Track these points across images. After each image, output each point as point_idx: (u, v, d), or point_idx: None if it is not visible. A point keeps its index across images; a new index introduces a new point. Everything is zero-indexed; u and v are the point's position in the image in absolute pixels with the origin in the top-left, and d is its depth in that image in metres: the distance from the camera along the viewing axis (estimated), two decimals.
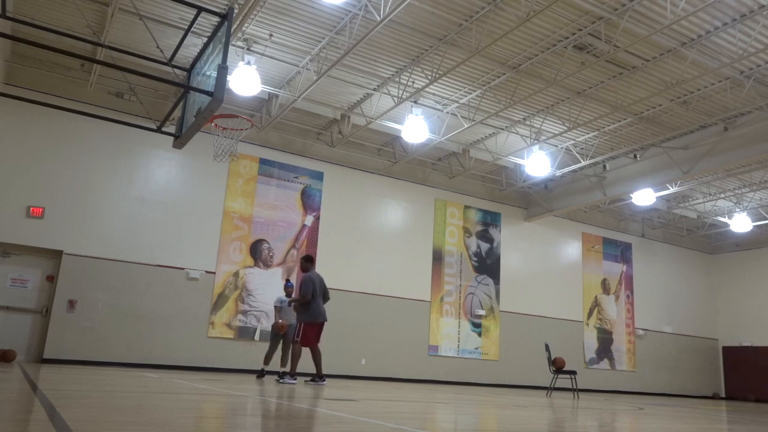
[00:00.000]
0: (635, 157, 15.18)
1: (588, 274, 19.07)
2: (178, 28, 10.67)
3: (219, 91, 6.14)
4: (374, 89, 12.65)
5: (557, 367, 12.37)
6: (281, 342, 10.39)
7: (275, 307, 10.62)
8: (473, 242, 17.02)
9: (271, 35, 10.91)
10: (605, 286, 19.36)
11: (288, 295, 10.58)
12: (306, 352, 9.72)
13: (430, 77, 11.41)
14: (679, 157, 14.11)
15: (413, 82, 12.02)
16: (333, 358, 14.12)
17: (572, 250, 18.94)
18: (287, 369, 10.36)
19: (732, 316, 21.29)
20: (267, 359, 10.39)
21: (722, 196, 17.44)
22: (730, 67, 10.83)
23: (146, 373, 9.68)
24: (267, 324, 13.54)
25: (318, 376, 9.24)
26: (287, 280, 10.84)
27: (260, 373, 10.38)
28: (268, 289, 13.74)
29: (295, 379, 9.27)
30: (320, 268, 14.44)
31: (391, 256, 15.56)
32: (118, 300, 12.17)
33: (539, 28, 10.16)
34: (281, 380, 9.15)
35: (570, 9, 9.54)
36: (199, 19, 7.26)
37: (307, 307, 9.25)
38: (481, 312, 16.70)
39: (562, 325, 18.01)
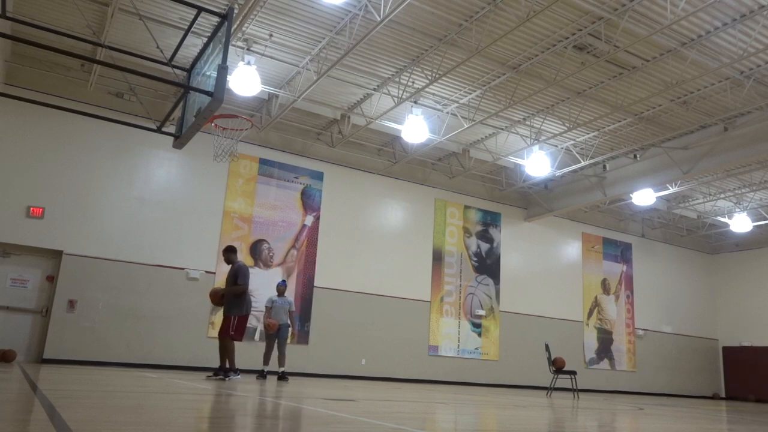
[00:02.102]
0: (635, 157, 15.18)
1: (588, 274, 19.07)
2: (178, 28, 10.66)
3: (219, 91, 6.14)
4: (374, 89, 12.65)
5: (557, 367, 12.37)
6: (276, 341, 10.33)
7: (266, 307, 10.59)
8: (473, 242, 17.02)
9: (271, 35, 10.92)
10: (605, 286, 19.36)
11: (280, 294, 10.48)
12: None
13: (430, 77, 11.41)
14: (679, 157, 14.11)
15: (413, 82, 12.02)
16: (333, 358, 14.13)
17: (572, 250, 18.94)
18: (285, 368, 10.35)
19: (732, 316, 21.29)
20: (266, 359, 10.37)
21: (722, 196, 17.44)
22: (730, 67, 10.83)
23: (146, 373, 9.68)
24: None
25: (232, 370, 8.99)
26: (283, 280, 10.78)
27: (261, 374, 10.38)
28: (269, 289, 13.71)
29: (238, 373, 9.13)
30: (320, 268, 14.45)
31: (391, 256, 15.55)
32: (118, 300, 12.16)
33: (539, 28, 10.16)
34: (224, 377, 8.91)
35: (570, 9, 9.54)
36: (199, 19, 7.26)
37: (242, 298, 9.06)
38: (481, 312, 16.70)
39: (562, 325, 18.01)
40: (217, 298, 9.16)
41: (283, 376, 10.18)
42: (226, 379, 8.78)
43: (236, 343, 9.17)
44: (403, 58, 11.40)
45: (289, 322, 10.37)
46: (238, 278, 9.07)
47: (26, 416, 3.08)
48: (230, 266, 9.41)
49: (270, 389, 6.98)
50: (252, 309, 9.51)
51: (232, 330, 8.93)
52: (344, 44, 10.57)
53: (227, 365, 8.98)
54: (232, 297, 9.06)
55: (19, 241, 11.59)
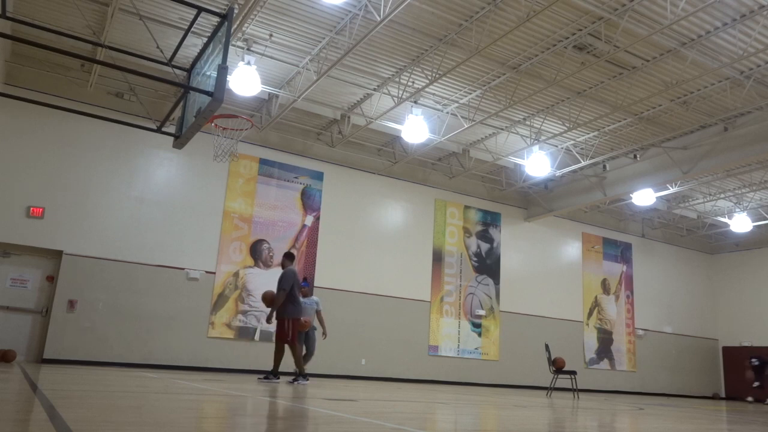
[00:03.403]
0: (635, 157, 15.18)
1: (588, 274, 19.06)
2: (178, 28, 10.66)
3: (219, 91, 6.14)
4: (374, 89, 12.65)
5: (557, 367, 12.37)
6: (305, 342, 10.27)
7: None
8: (473, 242, 17.02)
9: (271, 35, 10.92)
10: (605, 286, 19.36)
11: (304, 295, 10.28)
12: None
13: (430, 77, 11.41)
14: (679, 157, 14.11)
15: (413, 82, 12.02)
16: (333, 358, 14.12)
17: (572, 250, 18.93)
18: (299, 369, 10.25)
19: (732, 316, 21.28)
20: (304, 360, 10.20)
21: (722, 196, 17.44)
22: (730, 67, 10.83)
23: (146, 373, 9.68)
24: (267, 324, 13.51)
25: (302, 375, 9.16)
26: (304, 279, 10.65)
27: (299, 377, 10.25)
28: (268, 289, 13.71)
29: (307, 379, 9.20)
30: (320, 268, 14.46)
31: (391, 256, 15.55)
32: (118, 300, 12.16)
33: (539, 28, 10.16)
34: (295, 381, 9.05)
35: (570, 9, 9.54)
36: (199, 19, 7.25)
37: (294, 302, 9.16)
38: (481, 312, 16.70)
39: (562, 325, 18.01)
40: (267, 300, 9.40)
41: (298, 377, 10.11)
42: (295, 383, 8.89)
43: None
44: (403, 58, 11.40)
45: (315, 323, 10.18)
46: (281, 284, 9.18)
47: (26, 416, 3.08)
48: None
49: (270, 389, 6.98)
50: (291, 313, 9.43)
51: (289, 335, 9.08)
52: (344, 44, 10.57)
53: (297, 368, 9.18)
54: (286, 301, 9.18)
55: (19, 241, 11.59)
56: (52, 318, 11.59)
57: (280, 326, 9.22)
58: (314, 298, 10.48)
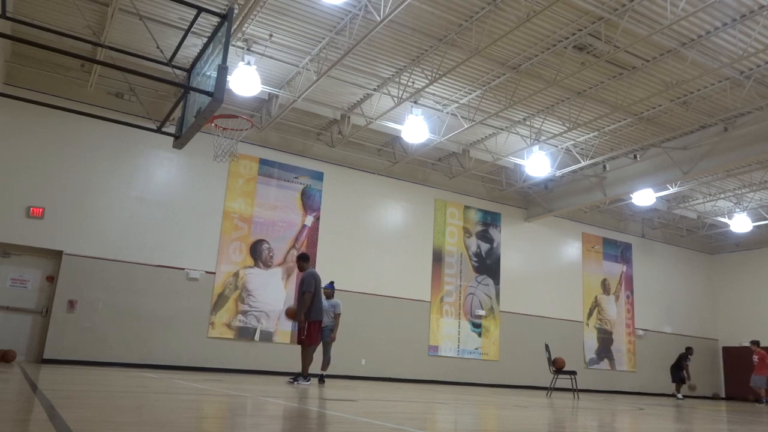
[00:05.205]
0: (635, 157, 15.18)
1: (588, 275, 19.06)
2: (178, 28, 10.67)
3: (219, 91, 6.14)
4: (374, 89, 12.65)
5: (557, 367, 12.37)
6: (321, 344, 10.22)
7: None
8: (473, 242, 17.02)
9: (271, 35, 10.92)
10: (605, 287, 19.36)
11: (328, 297, 10.12)
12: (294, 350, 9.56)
13: (430, 77, 11.41)
14: (679, 158, 14.11)
15: (413, 83, 12.01)
16: (333, 358, 14.06)
17: (572, 250, 18.93)
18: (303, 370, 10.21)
19: (732, 316, 21.28)
20: (323, 367, 10.15)
21: (722, 196, 17.44)
22: (730, 68, 10.83)
23: (146, 373, 9.68)
24: (267, 324, 13.54)
25: (303, 376, 9.13)
26: (331, 283, 10.37)
27: (320, 378, 10.21)
28: (268, 289, 13.74)
29: (309, 380, 9.17)
30: (320, 268, 14.44)
31: (391, 256, 15.55)
32: (118, 300, 12.16)
33: (539, 29, 10.16)
34: (295, 381, 9.03)
35: (570, 9, 9.54)
36: (199, 19, 7.25)
37: (313, 304, 9.11)
38: (481, 312, 16.70)
39: (562, 325, 18.00)
40: (291, 313, 9.31)
41: (321, 379, 10.10)
42: (295, 383, 8.85)
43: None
44: (403, 58, 11.40)
45: (332, 325, 10.08)
46: (303, 286, 9.12)
47: (26, 416, 3.08)
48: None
49: (271, 390, 6.98)
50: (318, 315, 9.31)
51: (303, 335, 9.04)
52: (344, 44, 10.57)
53: (301, 369, 9.17)
54: (304, 303, 9.10)
55: (19, 241, 11.59)
56: (52, 318, 11.58)
57: (299, 328, 9.19)
58: (335, 300, 10.31)
